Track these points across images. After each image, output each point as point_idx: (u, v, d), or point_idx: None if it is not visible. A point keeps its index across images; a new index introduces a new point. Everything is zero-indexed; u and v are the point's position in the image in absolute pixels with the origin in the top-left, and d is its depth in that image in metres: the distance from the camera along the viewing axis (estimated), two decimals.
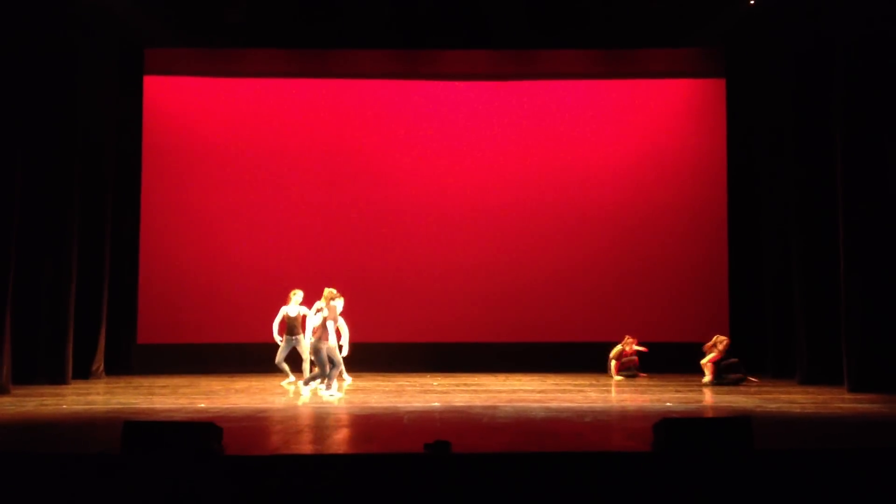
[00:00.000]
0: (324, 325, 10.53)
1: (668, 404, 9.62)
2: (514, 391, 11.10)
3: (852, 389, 10.80)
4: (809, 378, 11.82)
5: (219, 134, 14.52)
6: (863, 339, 10.92)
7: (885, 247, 10.97)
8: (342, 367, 10.88)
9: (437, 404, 9.60)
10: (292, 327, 11.67)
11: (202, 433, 6.00)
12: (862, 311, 10.96)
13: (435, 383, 12.13)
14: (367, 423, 8.24)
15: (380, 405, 9.60)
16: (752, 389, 11.24)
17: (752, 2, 12.72)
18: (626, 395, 10.66)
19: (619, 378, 12.69)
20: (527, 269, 14.40)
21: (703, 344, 12.19)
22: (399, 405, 9.56)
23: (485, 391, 11.09)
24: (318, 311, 10.84)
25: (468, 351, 14.13)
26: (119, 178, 13.84)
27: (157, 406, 9.51)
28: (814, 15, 11.98)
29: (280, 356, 11.73)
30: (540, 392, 10.99)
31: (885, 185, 11.02)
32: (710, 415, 8.81)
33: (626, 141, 14.56)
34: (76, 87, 12.49)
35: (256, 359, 12.88)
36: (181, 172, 14.41)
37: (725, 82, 14.44)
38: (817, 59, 11.97)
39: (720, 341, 12.07)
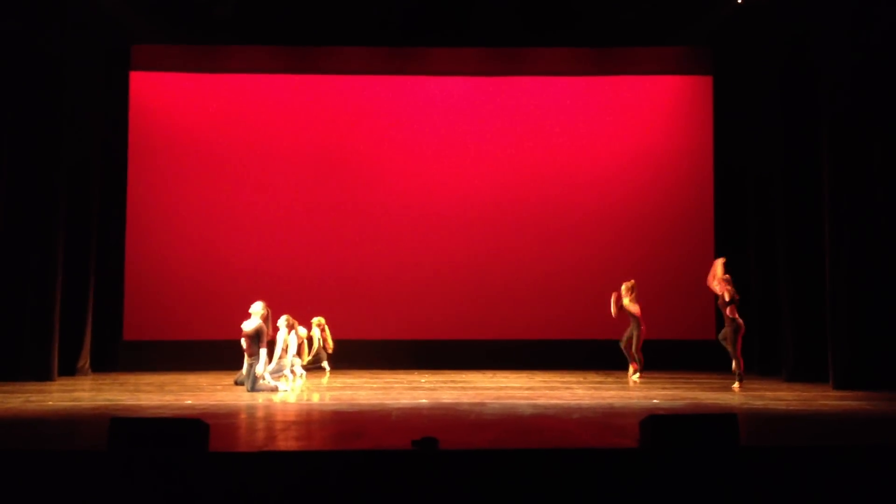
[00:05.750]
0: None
1: (655, 401, 9.65)
2: (501, 388, 11.11)
3: (837, 387, 10.86)
4: (795, 375, 11.88)
5: (206, 130, 14.48)
6: (848, 337, 10.97)
7: (870, 245, 11.02)
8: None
9: (424, 401, 9.61)
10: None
11: (189, 430, 5.98)
12: (847, 309, 11.02)
13: (423, 380, 12.13)
14: (354, 420, 8.23)
15: (367, 402, 9.60)
16: (738, 387, 11.26)
17: (739, 0, 12.77)
18: (613, 392, 10.69)
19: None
20: (515, 265, 14.42)
21: (690, 341, 12.07)
22: (387, 402, 9.55)
23: (472, 388, 11.10)
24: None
25: (456, 348, 14.13)
26: (105, 175, 13.78)
27: (144, 403, 9.47)
28: (801, 13, 12.03)
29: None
30: (527, 389, 11.00)
31: (871, 184, 11.08)
32: (696, 412, 8.83)
33: (614, 138, 14.60)
34: (62, 82, 12.38)
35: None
36: (168, 169, 14.36)
37: (712, 80, 14.50)
38: (804, 56, 12.03)
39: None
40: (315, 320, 13.04)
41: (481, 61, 14.72)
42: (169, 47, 14.44)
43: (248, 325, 10.83)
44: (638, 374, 12.14)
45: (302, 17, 13.67)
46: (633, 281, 12.32)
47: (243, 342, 10.86)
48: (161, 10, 13.40)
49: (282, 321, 11.56)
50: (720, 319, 13.47)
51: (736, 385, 11.05)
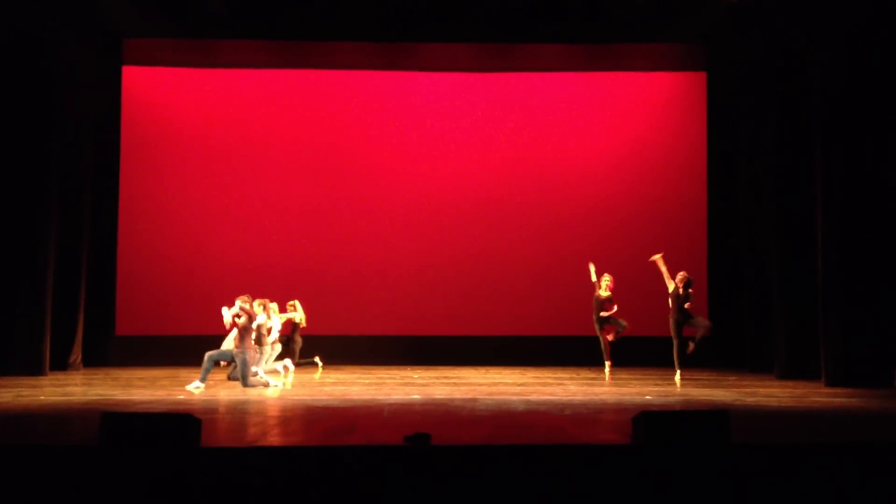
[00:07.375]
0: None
1: (648, 397, 9.66)
2: (494, 384, 11.11)
3: (829, 384, 10.89)
4: (787, 373, 11.91)
5: (198, 125, 14.44)
6: (840, 334, 11.00)
7: (863, 242, 11.04)
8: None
9: (417, 397, 9.60)
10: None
11: (180, 425, 5.96)
12: (839, 306, 11.04)
13: (415, 376, 12.14)
14: (346, 415, 8.22)
15: (360, 397, 9.59)
16: (730, 383, 11.29)
17: None
18: (605, 389, 10.70)
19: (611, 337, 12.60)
20: (507, 262, 14.42)
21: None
22: (379, 397, 9.55)
23: (465, 384, 11.10)
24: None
25: (449, 344, 14.14)
26: (97, 169, 13.73)
27: (136, 398, 9.45)
28: (795, 10, 12.04)
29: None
30: (520, 385, 11.01)
31: (864, 180, 11.09)
32: (688, 408, 8.85)
33: (608, 133, 14.61)
34: (53, 76, 12.33)
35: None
36: (160, 163, 14.33)
37: (706, 76, 14.52)
38: (798, 54, 12.04)
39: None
40: (290, 304, 12.97)
41: (475, 57, 14.70)
42: (162, 41, 14.39)
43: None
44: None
45: (295, 11, 13.63)
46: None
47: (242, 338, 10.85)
48: (153, 4, 13.34)
49: (257, 307, 11.34)
50: (712, 316, 13.50)
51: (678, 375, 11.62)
